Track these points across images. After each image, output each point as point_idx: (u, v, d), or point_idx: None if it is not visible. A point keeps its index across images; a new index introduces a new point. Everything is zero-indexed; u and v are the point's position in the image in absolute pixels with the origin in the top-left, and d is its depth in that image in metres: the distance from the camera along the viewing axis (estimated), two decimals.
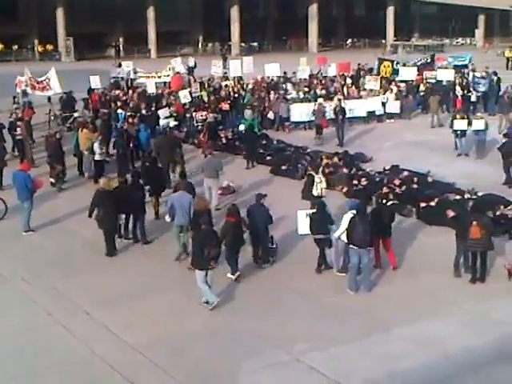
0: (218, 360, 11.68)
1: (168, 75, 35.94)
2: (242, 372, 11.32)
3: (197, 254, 13.57)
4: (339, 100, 29.17)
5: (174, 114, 28.38)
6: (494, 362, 11.28)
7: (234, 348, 12.04)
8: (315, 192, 17.58)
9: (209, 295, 13.58)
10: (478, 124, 24.59)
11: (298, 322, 12.91)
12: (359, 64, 40.12)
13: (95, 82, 34.28)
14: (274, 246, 15.83)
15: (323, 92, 32.44)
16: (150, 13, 67.57)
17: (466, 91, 32.04)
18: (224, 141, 26.90)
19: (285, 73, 37.11)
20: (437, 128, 29.44)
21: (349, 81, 35.41)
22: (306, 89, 33.38)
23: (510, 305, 12.73)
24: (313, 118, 28.68)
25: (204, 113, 29.07)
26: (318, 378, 11.11)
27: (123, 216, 17.21)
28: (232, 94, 32.60)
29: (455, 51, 54.23)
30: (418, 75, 35.05)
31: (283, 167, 23.44)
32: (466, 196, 18.27)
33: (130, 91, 33.75)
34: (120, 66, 40.48)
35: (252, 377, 11.20)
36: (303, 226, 15.31)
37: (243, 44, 70.87)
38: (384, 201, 18.09)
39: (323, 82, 35.52)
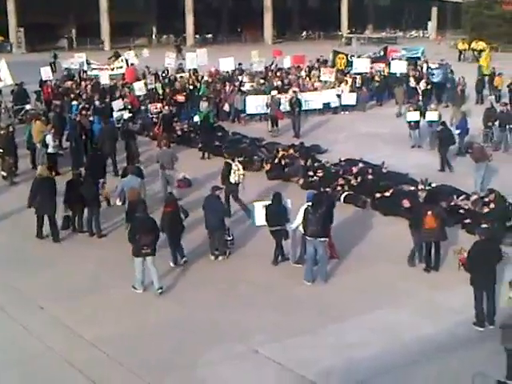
0: (177, 353, 11.64)
1: (121, 67, 35.57)
2: (200, 364, 11.29)
3: (132, 242, 13.81)
4: (295, 92, 29.25)
5: (129, 106, 28.11)
6: (448, 350, 11.45)
7: (192, 340, 12.01)
8: (232, 179, 17.80)
9: (137, 282, 13.84)
10: (431, 115, 24.92)
11: (256, 314, 12.93)
12: (322, 56, 40.23)
13: (46, 74, 33.69)
14: (231, 237, 15.82)
15: (279, 84, 32.48)
16: (103, 3, 66.64)
17: (419, 83, 32.36)
18: (179, 133, 26.75)
19: (239, 64, 37.05)
20: (392, 119, 29.64)
21: (303, 73, 35.52)
22: (262, 81, 33.38)
23: (463, 293, 12.92)
24: (268, 110, 28.69)
25: (159, 105, 28.87)
26: (275, 369, 11.16)
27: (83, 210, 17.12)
28: (187, 86, 32.42)
29: (408, 43, 54.80)
30: (371, 68, 35.39)
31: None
32: (420, 187, 18.46)
33: (83, 83, 33.31)
34: (56, 57, 39.82)
35: (210, 369, 11.19)
36: (260, 217, 15.34)
37: (197, 36, 70.50)
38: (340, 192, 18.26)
39: (278, 74, 35.57)
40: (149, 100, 30.22)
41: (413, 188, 18.35)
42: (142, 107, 29.69)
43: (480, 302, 12.34)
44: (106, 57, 43.13)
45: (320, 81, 33.32)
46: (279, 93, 29.77)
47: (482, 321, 12.34)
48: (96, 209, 17.03)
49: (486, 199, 17.21)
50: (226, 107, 30.38)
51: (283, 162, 22.12)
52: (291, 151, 23.10)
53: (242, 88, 31.87)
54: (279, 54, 39.82)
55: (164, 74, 35.78)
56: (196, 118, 27.29)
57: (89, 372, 11.07)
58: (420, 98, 29.77)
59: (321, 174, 20.74)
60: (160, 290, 13.79)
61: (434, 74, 33.55)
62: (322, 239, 14.19)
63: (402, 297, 13.53)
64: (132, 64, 37.23)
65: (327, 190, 19.10)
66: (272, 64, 38.31)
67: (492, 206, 16.67)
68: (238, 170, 17.93)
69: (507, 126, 23.97)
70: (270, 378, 10.94)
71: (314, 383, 10.74)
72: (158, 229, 14.26)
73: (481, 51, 45.55)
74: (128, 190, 16.84)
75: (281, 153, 22.81)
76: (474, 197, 17.92)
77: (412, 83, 32.57)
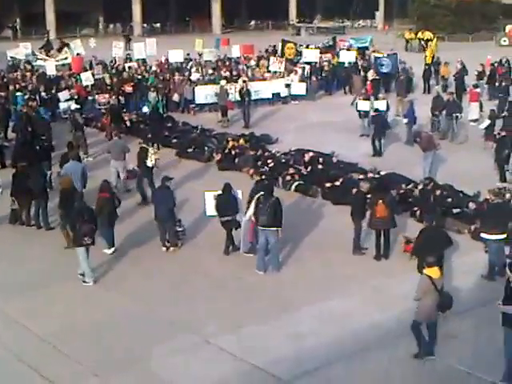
0: (129, 346, 11.54)
1: (66, 57, 34.97)
2: (154, 357, 11.22)
3: (72, 232, 13.78)
4: (244, 82, 29.19)
5: (75, 97, 27.66)
6: (399, 337, 11.59)
7: (145, 333, 11.92)
8: (149, 163, 18.22)
9: (87, 276, 13.77)
10: (379, 105, 25.12)
11: (208, 305, 12.89)
12: (271, 46, 40.21)
13: None
14: (182, 228, 15.72)
15: (228, 74, 32.37)
16: None
17: (367, 72, 32.63)
18: (128, 124, 26.44)
19: (188, 54, 36.81)
20: (342, 108, 29.76)
21: (253, 63, 35.47)
22: (211, 71, 33.22)
23: (413, 280, 13.08)
24: (217, 100, 28.55)
25: (107, 95, 28.47)
26: (228, 359, 11.16)
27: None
28: (135, 76, 32.05)
29: (356, 33, 55.19)
30: (321, 57, 35.52)
31: (189, 150, 23.28)
32: (370, 175, 18.65)
33: (28, 73, 32.63)
34: None
35: (163, 361, 11.13)
36: (210, 207, 15.29)
37: (145, 25, 69.74)
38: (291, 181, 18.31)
39: (227, 63, 35.44)
40: (96, 90, 29.77)
41: (362, 177, 18.49)
42: (90, 98, 29.23)
43: None
44: (47, 47, 42.36)
45: (269, 71, 33.29)
46: (228, 83, 29.66)
47: None
48: (43, 201, 16.72)
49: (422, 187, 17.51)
50: (176, 97, 30.15)
51: (233, 153, 22.07)
52: (241, 141, 23.09)
53: (191, 78, 31.67)
54: (227, 44, 39.67)
55: (112, 64, 35.29)
56: (145, 109, 27.03)
57: (39, 367, 10.89)
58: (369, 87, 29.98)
59: (271, 164, 20.76)
60: (82, 277, 13.83)
61: (383, 64, 33.86)
62: (274, 229, 14.18)
63: (353, 285, 13.65)
64: (79, 54, 36.62)
65: (277, 179, 19.17)
66: (225, 56, 38.08)
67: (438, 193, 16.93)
68: (155, 153, 18.39)
69: (454, 115, 24.34)
70: (223, 368, 10.92)
71: (266, 372, 10.77)
72: (96, 218, 14.23)
73: (427, 41, 46.13)
74: (60, 179, 16.74)
75: (231, 143, 22.76)
76: (422, 185, 18.15)
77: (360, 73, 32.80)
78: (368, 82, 30.46)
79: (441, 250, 12.49)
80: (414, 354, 10.99)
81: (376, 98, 26.04)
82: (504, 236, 13.84)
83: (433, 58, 35.57)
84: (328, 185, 18.87)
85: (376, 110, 23.52)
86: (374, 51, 37.76)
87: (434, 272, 10.85)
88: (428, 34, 48.10)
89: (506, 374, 9.99)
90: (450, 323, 12.09)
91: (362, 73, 32.92)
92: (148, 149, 18.53)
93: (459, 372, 9.09)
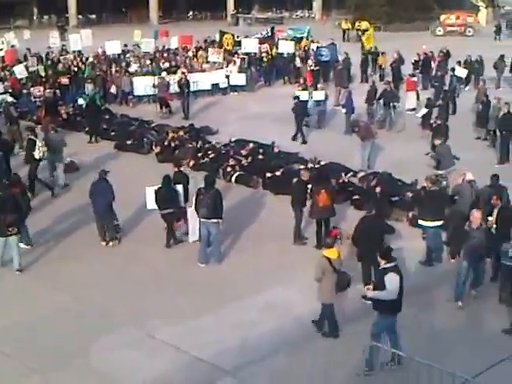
0: (71, 341, 11.40)
1: (1, 49, 34.11)
2: (95, 352, 11.11)
3: None
4: (183, 73, 28.99)
5: (9, 90, 27.02)
6: (343, 324, 11.70)
7: (86, 327, 11.79)
8: (37, 155, 18.31)
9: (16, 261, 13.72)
10: (318, 95, 25.31)
11: (151, 298, 12.81)
12: (209, 36, 39.90)
13: None
14: (118, 222, 15.53)
15: (166, 65, 32.09)
16: None
17: (306, 62, 32.82)
18: (65, 116, 25.97)
19: (125, 45, 36.38)
20: (281, 99, 29.78)
21: (191, 54, 35.26)
22: (148, 62, 32.89)
23: (353, 268, 13.22)
24: (156, 92, 28.30)
25: (41, 88, 27.90)
26: (171, 352, 11.12)
27: None
28: (71, 67, 31.50)
29: (294, 24, 55.39)
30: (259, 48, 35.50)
31: (128, 142, 23.03)
32: (310, 165, 18.78)
33: None
34: None
35: (105, 355, 11.02)
36: (151, 201, 15.16)
37: (81, 16, 68.53)
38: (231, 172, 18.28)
39: (165, 55, 35.14)
40: (31, 83, 29.14)
41: (303, 166, 18.60)
42: (24, 91, 28.60)
43: (368, 276, 12.66)
44: None
45: (208, 61, 33.18)
46: (167, 74, 29.41)
47: None
48: None
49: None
50: (113, 89, 29.77)
51: (173, 145, 21.92)
52: (181, 133, 22.95)
53: (128, 69, 31.30)
54: (166, 35, 39.31)
55: (47, 56, 34.58)
56: (80, 101, 26.62)
57: None
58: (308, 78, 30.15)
59: (211, 156, 20.70)
60: (19, 272, 13.75)
61: (322, 54, 34.08)
62: (215, 220, 14.14)
63: (295, 274, 13.72)
64: (12, 46, 35.77)
65: (218, 170, 19.14)
66: (164, 47, 37.70)
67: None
68: (42, 146, 18.41)
69: (391, 104, 24.67)
70: (167, 362, 10.87)
71: (210, 364, 10.76)
72: (22, 208, 14.03)
73: (364, 31, 46.63)
74: None
75: (170, 135, 22.60)
76: (361, 174, 18.38)
77: (298, 63, 32.96)
78: (307, 72, 30.67)
79: (379, 239, 12.64)
80: (323, 332, 11.46)
81: (315, 88, 26.19)
82: (441, 223, 14.12)
83: (371, 47, 36.00)
84: (269, 175, 18.92)
85: (296, 98, 23.71)
86: (312, 41, 37.93)
87: (331, 253, 11.19)
88: (365, 24, 48.59)
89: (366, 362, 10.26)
90: None
91: (300, 63, 33.07)
92: (36, 141, 18.44)
93: (399, 358, 9.24)
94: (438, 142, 18.63)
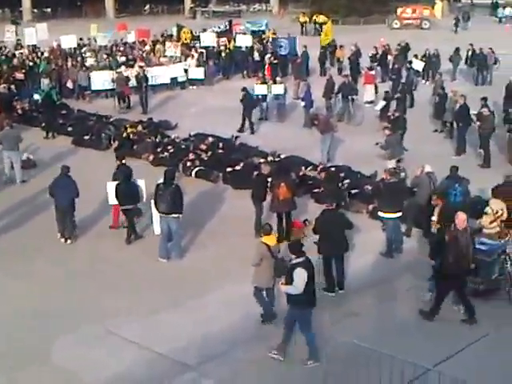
0: (30, 339, 11.24)
1: None
2: (56, 349, 10.99)
3: None
4: (141, 67, 28.75)
5: None
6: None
7: (47, 326, 11.63)
8: None
9: None
10: (277, 89, 25.32)
11: (111, 294, 12.68)
12: (166, 30, 39.66)
13: None
14: (74, 218, 15.33)
15: (123, 59, 31.78)
16: None
17: (264, 56, 32.80)
18: (20, 112, 25.56)
19: (81, 39, 35.95)
20: (240, 93, 29.73)
21: (148, 47, 34.99)
22: (105, 56, 32.54)
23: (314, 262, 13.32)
24: (114, 86, 28.00)
25: None
26: (133, 348, 11.03)
27: None
28: (26, 62, 30.99)
29: (252, 17, 55.33)
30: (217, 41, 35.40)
31: (86, 137, 22.75)
32: (270, 159, 18.78)
33: None
34: None
35: (67, 353, 10.90)
36: (112, 196, 15.02)
37: (35, 10, 67.42)
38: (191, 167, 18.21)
39: (122, 49, 34.80)
40: None
41: (263, 160, 18.59)
42: None
43: (329, 268, 12.75)
44: None
45: (165, 55, 32.96)
46: (126, 68, 29.11)
47: (331, 287, 12.77)
48: None
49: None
50: (69, 84, 29.38)
51: (132, 139, 21.72)
52: (140, 128, 22.76)
53: (85, 64, 30.91)
54: (123, 29, 38.93)
55: (1, 51, 33.96)
56: (37, 96, 26.22)
57: None
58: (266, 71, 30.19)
59: (171, 150, 20.58)
60: None
61: (281, 46, 34.08)
62: (175, 215, 14.06)
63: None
64: None
65: (178, 165, 19.03)
66: (121, 40, 37.32)
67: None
68: None
69: (349, 97, 24.80)
70: (127, 357, 10.77)
71: (172, 359, 10.70)
72: None
73: (322, 24, 46.76)
74: None
75: (129, 129, 22.40)
76: (321, 167, 18.44)
77: (256, 57, 32.94)
78: (266, 66, 30.69)
79: (339, 233, 12.73)
80: (260, 318, 11.58)
81: (274, 82, 26.22)
82: (400, 214, 14.26)
83: (330, 41, 36.14)
84: (229, 169, 18.88)
85: (243, 90, 23.82)
86: (271, 35, 37.87)
87: (270, 239, 11.34)
88: (322, 18, 48.69)
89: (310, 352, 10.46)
90: (350, 301, 12.39)
91: (258, 57, 33.04)
92: None
93: (361, 349, 9.30)
94: (387, 132, 18.85)
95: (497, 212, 13.47)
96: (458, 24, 50.43)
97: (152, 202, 14.41)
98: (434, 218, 13.46)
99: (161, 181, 14.34)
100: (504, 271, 12.30)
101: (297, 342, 10.63)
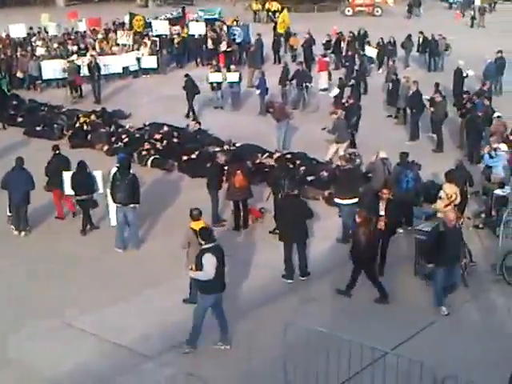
0: None
1: None
2: (14, 342, 10.85)
3: None
4: (93, 56, 28.36)
5: None
6: (261, 305, 11.80)
7: (3, 319, 11.50)
8: None
9: None
10: (232, 77, 25.25)
11: (67, 286, 12.56)
12: (118, 18, 39.12)
13: None
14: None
15: (75, 48, 31.31)
16: None
17: (218, 44, 32.64)
18: None
19: (31, 28, 35.31)
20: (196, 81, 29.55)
21: (100, 36, 34.52)
22: (56, 45, 32.00)
23: (272, 249, 13.38)
24: (66, 75, 27.58)
25: None
26: (91, 340, 10.95)
27: None
28: None
29: (205, 5, 54.95)
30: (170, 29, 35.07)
31: (38, 128, 22.39)
32: (225, 147, 18.72)
33: None
34: None
35: (24, 346, 10.77)
36: (68, 186, 14.83)
37: None
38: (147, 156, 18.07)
39: (74, 37, 34.27)
40: None
41: (218, 149, 18.54)
42: None
43: (289, 255, 12.79)
44: None
45: (118, 44, 32.58)
46: (77, 57, 28.70)
47: (291, 273, 12.82)
48: None
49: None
50: (20, 74, 28.85)
51: (85, 129, 21.45)
52: (93, 117, 22.48)
53: (35, 53, 30.37)
54: (75, 17, 38.33)
55: None
56: None
57: None
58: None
59: (125, 140, 20.39)
60: None
61: (235, 34, 33.95)
62: (132, 205, 13.96)
63: None
64: None
65: (133, 154, 18.86)
66: (72, 29, 36.71)
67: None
68: None
69: (304, 85, 24.86)
70: (86, 349, 10.68)
71: (131, 350, 10.64)
72: None
73: (275, 12, 46.72)
74: None
75: (82, 119, 22.11)
76: (277, 154, 18.45)
77: (210, 45, 32.78)
78: (220, 54, 30.57)
79: (299, 220, 12.77)
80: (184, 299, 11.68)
81: (228, 70, 26.12)
82: (356, 200, 14.35)
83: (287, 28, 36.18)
84: (184, 158, 18.78)
85: (186, 76, 24.12)
86: (224, 22, 37.63)
87: (197, 225, 11.32)
88: (275, 5, 48.65)
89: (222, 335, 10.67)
90: (309, 287, 12.47)
91: (212, 45, 32.85)
92: None
93: (320, 334, 9.36)
94: (334, 116, 19.04)
95: (450, 196, 13.69)
96: (412, 10, 50.94)
97: (108, 191, 14.28)
98: (382, 213, 12.94)
99: (114, 169, 14.20)
100: None
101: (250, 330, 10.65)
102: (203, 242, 10.51)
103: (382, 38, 31.46)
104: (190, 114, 23.87)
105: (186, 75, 24.12)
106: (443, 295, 11.65)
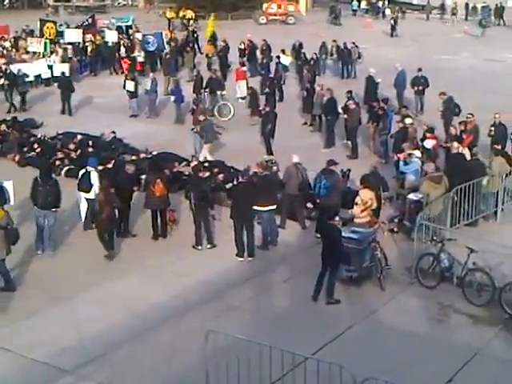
0: None
1: None
2: None
3: None
4: (5, 64, 27.55)
5: None
6: (182, 314, 11.71)
7: None
8: None
9: None
10: (147, 84, 24.99)
11: None
12: (28, 26, 38.14)
13: None
14: None
15: None
16: None
17: (131, 52, 32.32)
18: None
19: None
20: (109, 89, 29.07)
21: (8, 44, 33.59)
22: None
23: (189, 257, 13.35)
24: None
25: None
26: (5, 356, 10.62)
27: None
28: None
29: (117, 12, 54.32)
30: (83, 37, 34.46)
31: None
32: (142, 156, 18.53)
33: None
34: None
35: None
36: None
37: None
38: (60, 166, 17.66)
39: None
40: None
41: (135, 157, 18.33)
42: None
43: (239, 234, 13.70)
44: None
45: (28, 52, 31.78)
46: None
47: (241, 251, 13.76)
48: None
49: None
50: None
51: None
52: (3, 126, 21.83)
53: None
54: None
55: None
56: None
57: None
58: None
59: (38, 149, 19.89)
60: None
61: (149, 42, 33.66)
62: (53, 209, 14.03)
63: (131, 266, 13.54)
64: None
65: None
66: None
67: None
68: None
69: (217, 92, 24.89)
70: (0, 366, 10.31)
71: (48, 365, 10.36)
72: None
73: (189, 20, 46.64)
74: None
75: None
76: (194, 162, 18.35)
77: (123, 53, 32.40)
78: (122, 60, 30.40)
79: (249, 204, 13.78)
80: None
81: (131, 78, 25.81)
82: (274, 207, 14.46)
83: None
84: (100, 168, 18.41)
85: (62, 74, 26.46)
86: (137, 30, 37.26)
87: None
88: (190, 13, 48.58)
89: None
90: (229, 295, 12.45)
91: (125, 53, 32.46)
92: None
93: (241, 341, 9.34)
94: (202, 117, 19.80)
95: (366, 202, 13.93)
96: (337, 19, 52.07)
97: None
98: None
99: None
100: (374, 259, 12.75)
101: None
102: None
103: (296, 44, 31.89)
104: (66, 109, 25.35)
105: (62, 73, 26.59)
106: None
